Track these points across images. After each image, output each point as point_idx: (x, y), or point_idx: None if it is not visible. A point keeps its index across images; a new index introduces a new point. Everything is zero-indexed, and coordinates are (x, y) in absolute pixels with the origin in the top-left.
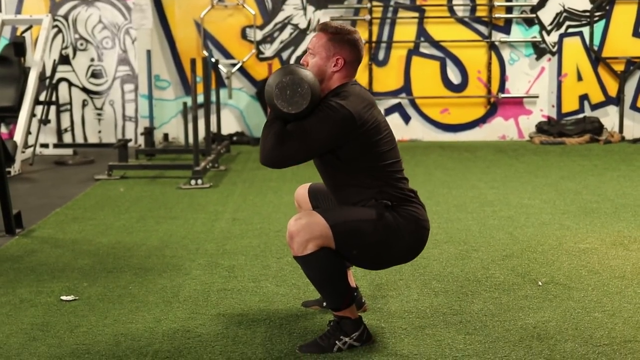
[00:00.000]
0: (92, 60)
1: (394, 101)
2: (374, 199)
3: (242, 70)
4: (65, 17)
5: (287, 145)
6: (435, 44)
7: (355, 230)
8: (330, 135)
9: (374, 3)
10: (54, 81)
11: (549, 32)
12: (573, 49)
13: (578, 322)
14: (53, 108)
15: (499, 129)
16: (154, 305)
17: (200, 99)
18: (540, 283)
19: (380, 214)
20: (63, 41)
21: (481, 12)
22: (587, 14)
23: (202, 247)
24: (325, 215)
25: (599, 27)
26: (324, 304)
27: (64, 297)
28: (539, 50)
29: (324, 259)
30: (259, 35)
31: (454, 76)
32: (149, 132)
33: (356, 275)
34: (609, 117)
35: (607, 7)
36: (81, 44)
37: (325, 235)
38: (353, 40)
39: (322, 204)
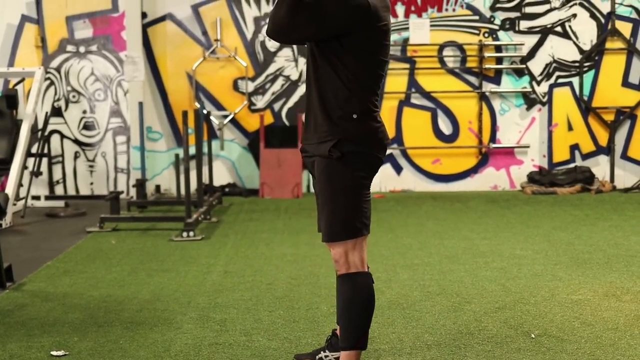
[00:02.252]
0: (84, 112)
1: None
2: (332, 122)
3: (234, 122)
4: (58, 69)
5: (299, 16)
6: (426, 95)
7: (341, 216)
8: (343, 17)
9: None
10: (46, 133)
11: (539, 83)
12: (563, 99)
13: None
14: (45, 160)
15: (491, 179)
16: None
17: (192, 150)
18: (533, 335)
19: (335, 176)
20: (55, 93)
21: (471, 63)
22: (577, 64)
23: (194, 300)
24: (328, 238)
25: (588, 77)
26: (317, 357)
27: (54, 352)
28: (530, 100)
29: (366, 284)
30: (251, 86)
31: (445, 126)
32: (140, 184)
33: None
34: (600, 167)
35: (596, 58)
36: (73, 96)
37: (350, 246)
38: None
39: None
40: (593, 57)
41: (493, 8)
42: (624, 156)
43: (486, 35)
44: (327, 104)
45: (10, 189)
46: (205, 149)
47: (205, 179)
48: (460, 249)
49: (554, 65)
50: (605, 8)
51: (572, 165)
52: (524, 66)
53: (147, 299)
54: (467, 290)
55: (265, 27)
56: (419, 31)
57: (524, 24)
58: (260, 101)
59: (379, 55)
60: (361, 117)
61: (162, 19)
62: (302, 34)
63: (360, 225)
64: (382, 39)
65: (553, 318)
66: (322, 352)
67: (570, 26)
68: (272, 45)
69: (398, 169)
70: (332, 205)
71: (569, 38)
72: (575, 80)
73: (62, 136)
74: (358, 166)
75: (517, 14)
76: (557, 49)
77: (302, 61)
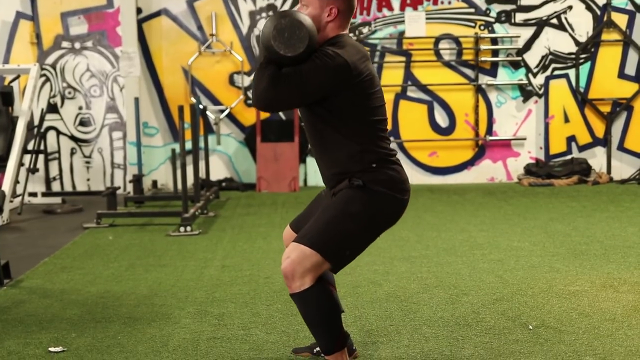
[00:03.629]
0: (80, 108)
1: None
2: (348, 178)
3: (230, 116)
4: (53, 65)
5: (281, 88)
6: (423, 88)
7: (338, 236)
8: (325, 82)
9: None
10: (42, 130)
11: (535, 75)
12: (559, 91)
13: None
14: (41, 157)
15: (488, 171)
16: (143, 356)
17: (189, 145)
18: (530, 327)
19: (353, 201)
20: (51, 90)
21: (467, 56)
22: (573, 56)
23: (192, 295)
24: (306, 241)
25: (584, 69)
26: (315, 350)
27: (52, 349)
28: (526, 92)
29: (321, 295)
30: (247, 81)
31: (442, 119)
32: (137, 180)
33: (346, 322)
34: (596, 158)
35: (592, 50)
36: (69, 93)
37: (317, 262)
38: None
39: (302, 224)
40: (589, 49)
41: (489, 0)
42: (621, 147)
43: (482, 27)
44: (342, 164)
45: (6, 186)
46: (201, 144)
47: (202, 173)
48: (458, 241)
49: (550, 57)
50: (601, 0)
51: (568, 157)
52: (520, 58)
53: (144, 294)
54: (465, 282)
55: (260, 21)
56: (415, 24)
57: (519, 16)
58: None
59: (372, 105)
60: (380, 165)
61: (157, 14)
62: (287, 104)
63: (344, 256)
64: (369, 88)
65: (551, 309)
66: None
67: (566, 18)
68: None
69: None
70: (335, 224)
71: (565, 30)
72: (571, 72)
73: (58, 132)
74: (376, 204)
75: (513, 7)
76: (553, 41)
77: None
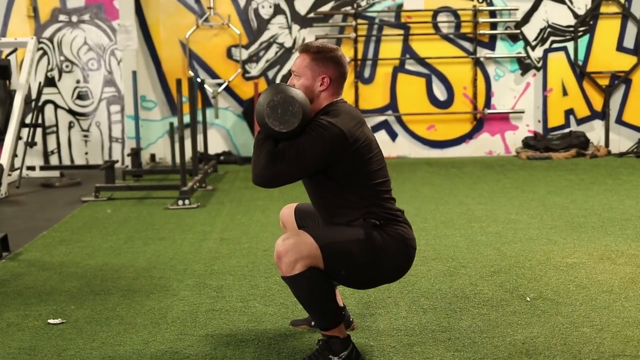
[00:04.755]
0: (78, 82)
1: (380, 118)
2: (362, 218)
3: (228, 90)
4: (50, 39)
5: (279, 165)
6: (421, 61)
7: (343, 251)
8: (322, 154)
9: (359, 21)
10: (40, 103)
11: (533, 48)
12: (558, 64)
13: (566, 337)
14: (39, 130)
15: (486, 144)
16: (142, 327)
17: (187, 119)
18: (528, 299)
19: (369, 234)
20: (48, 63)
21: (466, 29)
22: (571, 29)
23: (190, 267)
24: (314, 235)
25: (583, 42)
26: (313, 323)
27: (51, 321)
28: (524, 65)
29: (313, 279)
30: (245, 54)
31: (440, 93)
32: (135, 153)
33: (344, 294)
34: (594, 132)
35: (591, 22)
36: (66, 66)
37: (313, 255)
38: (336, 58)
39: (308, 223)
40: (588, 22)
41: None
42: (619, 121)
43: (480, 0)
44: (348, 222)
45: (4, 160)
46: (199, 117)
47: (200, 147)
48: (456, 214)
49: (549, 30)
50: None
51: (567, 130)
52: (518, 31)
53: (143, 267)
54: (463, 255)
55: None
56: None
57: None
58: (255, 69)
59: (372, 169)
60: (387, 224)
61: None
62: (288, 179)
63: (339, 274)
64: (367, 153)
65: (548, 281)
66: None
67: None
68: (265, 12)
69: (393, 135)
70: (348, 240)
71: (563, 3)
72: (570, 45)
73: (56, 106)
74: (386, 249)
75: None
76: (552, 13)
77: (296, 28)
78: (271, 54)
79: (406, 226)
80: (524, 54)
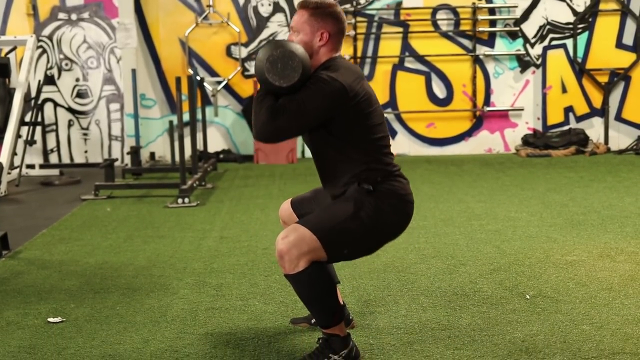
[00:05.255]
0: (77, 80)
1: None
2: (357, 182)
3: (228, 88)
4: (50, 37)
5: (280, 119)
6: (420, 59)
7: (341, 233)
8: (322, 108)
9: (358, 18)
10: (39, 102)
11: (532, 45)
12: (557, 61)
13: (566, 335)
14: (39, 129)
15: (485, 142)
16: (142, 326)
17: (186, 117)
18: (528, 296)
19: (361, 205)
20: (48, 61)
21: (465, 26)
22: (570, 26)
23: (190, 266)
24: (309, 226)
25: (582, 39)
26: (313, 321)
27: (51, 319)
28: (523, 63)
29: (315, 275)
30: (244, 52)
31: (439, 90)
32: (135, 151)
33: (343, 292)
34: (594, 129)
35: (590, 19)
36: (66, 64)
37: (314, 247)
38: (335, 13)
39: (305, 209)
40: (587, 19)
41: None
42: (618, 118)
43: None
44: (347, 181)
45: (4, 158)
46: (199, 116)
47: (200, 145)
48: (455, 212)
49: (548, 27)
50: None
51: (566, 127)
52: (517, 29)
53: (143, 265)
54: (462, 253)
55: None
56: None
57: None
58: (254, 67)
59: (371, 123)
60: (385, 180)
61: None
62: (289, 134)
63: (341, 252)
64: (367, 108)
65: (548, 279)
66: None
67: None
68: (264, 10)
69: (392, 133)
70: (342, 216)
71: (562, 0)
72: (569, 42)
73: (56, 104)
74: (383, 213)
75: None
76: (551, 10)
77: None
78: None
79: (402, 181)
80: (523, 52)
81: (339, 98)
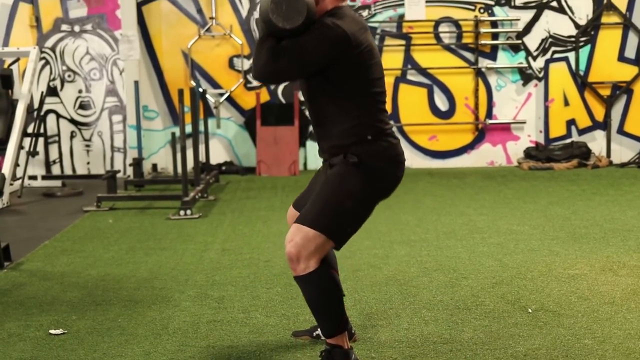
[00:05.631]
0: (80, 91)
1: None
2: (345, 153)
3: (230, 100)
4: (53, 49)
5: (281, 61)
6: (422, 71)
7: (339, 215)
8: (324, 53)
9: None
10: (42, 113)
11: (535, 58)
12: (559, 74)
13: (568, 349)
14: (41, 140)
15: (487, 155)
16: (143, 338)
17: (189, 129)
18: (530, 310)
19: (349, 179)
20: (51, 73)
21: (467, 39)
22: (573, 39)
23: (192, 278)
24: (309, 223)
25: (584, 52)
26: (314, 333)
27: (52, 331)
28: (526, 76)
29: (325, 277)
30: (247, 64)
31: (442, 103)
32: (137, 163)
33: (346, 305)
34: (596, 142)
35: (592, 33)
36: (69, 76)
37: (321, 242)
38: None
39: (303, 203)
40: (589, 32)
41: None
42: (620, 131)
43: (482, 10)
44: (338, 135)
45: (6, 169)
46: (201, 127)
47: (202, 157)
48: (457, 225)
49: (550, 40)
50: None
51: (568, 140)
52: (519, 42)
53: (145, 277)
54: (464, 266)
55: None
56: (415, 7)
57: None
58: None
59: (370, 76)
60: (376, 137)
61: None
62: (288, 76)
63: (344, 233)
64: (369, 59)
65: (550, 293)
66: (318, 328)
67: (565, 1)
68: None
69: None
70: (332, 202)
71: (564, 13)
72: (571, 55)
73: (58, 116)
74: (372, 179)
75: None
76: (553, 24)
77: None
78: None
79: (392, 141)
80: (525, 64)
81: (342, 45)
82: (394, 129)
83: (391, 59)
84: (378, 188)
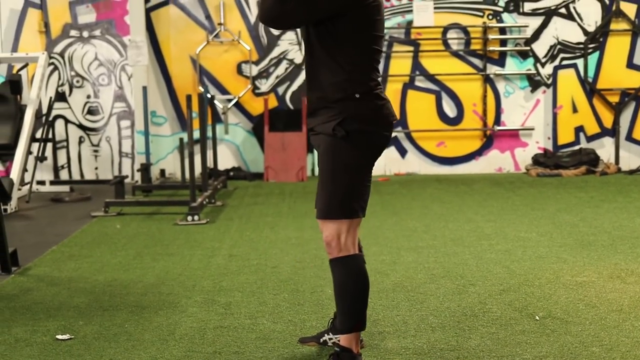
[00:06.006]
0: (89, 97)
1: None
2: (334, 120)
3: (238, 106)
4: (62, 54)
5: (288, 4)
6: (431, 78)
7: (344, 194)
8: (332, 1)
9: None
10: (50, 118)
11: (543, 65)
12: (568, 81)
13: (575, 357)
14: (49, 145)
15: (495, 161)
16: (150, 344)
17: (197, 134)
18: (537, 317)
19: (340, 155)
20: (59, 78)
21: (476, 46)
22: (581, 46)
23: (199, 284)
24: (325, 215)
25: (593, 59)
26: (321, 339)
27: (59, 336)
28: (534, 82)
29: (360, 265)
30: (255, 70)
31: (450, 109)
32: (145, 168)
33: None
34: (604, 149)
35: (601, 39)
36: (77, 81)
37: (346, 227)
38: None
39: None
40: (597, 39)
41: None
42: (629, 138)
43: (490, 17)
44: (327, 87)
45: (15, 174)
46: (209, 133)
47: (210, 163)
48: (465, 231)
49: (559, 47)
50: None
51: (576, 147)
52: (528, 48)
53: (152, 283)
54: (472, 273)
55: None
56: (423, 13)
57: (528, 6)
58: (264, 85)
59: (372, 32)
60: (364, 96)
61: (165, 2)
62: (293, 20)
63: (357, 206)
64: (374, 15)
65: (557, 300)
66: (325, 334)
67: (574, 7)
68: None
69: (403, 152)
70: (332, 183)
71: (573, 19)
72: (579, 62)
73: (67, 121)
74: (362, 146)
75: None
76: (562, 30)
77: None
78: (281, 70)
79: (378, 102)
80: (533, 71)
81: None
82: (403, 134)
83: (399, 66)
84: (370, 151)
